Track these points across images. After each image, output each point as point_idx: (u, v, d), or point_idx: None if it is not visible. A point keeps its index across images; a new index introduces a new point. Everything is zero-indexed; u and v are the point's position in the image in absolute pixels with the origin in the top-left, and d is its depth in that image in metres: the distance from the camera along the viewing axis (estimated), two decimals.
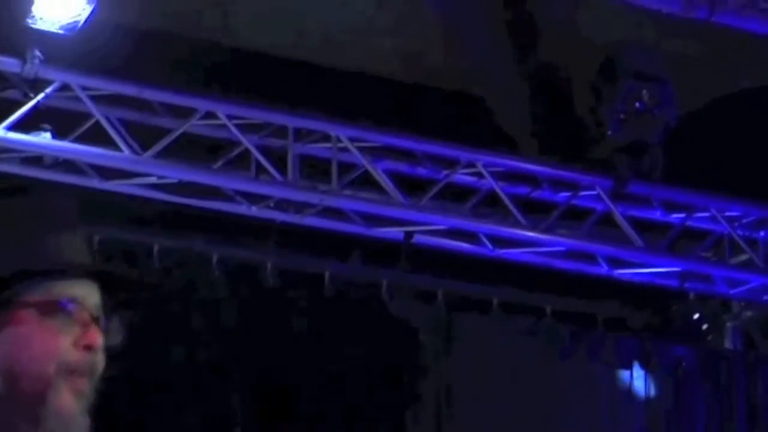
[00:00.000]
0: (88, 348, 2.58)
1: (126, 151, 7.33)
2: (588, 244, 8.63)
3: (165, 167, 7.53)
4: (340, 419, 8.50)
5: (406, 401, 8.71)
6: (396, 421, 8.67)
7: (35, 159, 7.46)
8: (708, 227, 8.95)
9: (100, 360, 2.61)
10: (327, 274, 8.55)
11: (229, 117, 7.68)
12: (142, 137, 7.49)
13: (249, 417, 8.18)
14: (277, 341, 8.35)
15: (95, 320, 2.60)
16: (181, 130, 7.53)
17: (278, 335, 8.37)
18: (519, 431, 8.96)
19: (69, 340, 2.57)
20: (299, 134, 7.88)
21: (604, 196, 8.42)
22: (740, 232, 8.94)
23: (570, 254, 8.69)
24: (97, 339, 2.60)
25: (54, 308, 2.58)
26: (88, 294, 2.62)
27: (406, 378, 8.72)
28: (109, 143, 7.38)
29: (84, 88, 7.29)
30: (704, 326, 9.22)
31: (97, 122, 7.30)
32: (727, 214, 8.90)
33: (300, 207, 8.01)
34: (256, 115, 7.72)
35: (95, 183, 7.55)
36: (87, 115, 7.32)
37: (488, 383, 8.81)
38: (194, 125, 7.68)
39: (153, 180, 7.62)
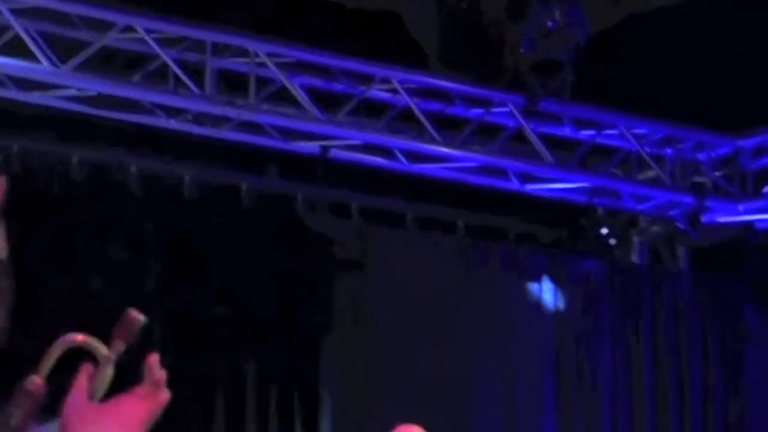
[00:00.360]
0: None
1: (45, 64, 7.31)
2: (500, 160, 8.67)
3: (84, 80, 7.54)
4: (255, 332, 8.49)
5: (321, 313, 8.67)
6: (312, 332, 8.64)
7: None
8: (616, 144, 9.03)
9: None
10: (244, 187, 8.52)
11: (148, 31, 7.65)
12: (62, 50, 7.43)
13: (163, 333, 7.95)
14: (194, 253, 8.33)
15: None
16: (100, 44, 7.51)
17: (195, 247, 8.35)
18: (432, 342, 8.89)
19: None
20: (217, 49, 7.87)
21: (516, 113, 8.47)
22: (648, 149, 9.05)
23: (482, 170, 8.72)
24: None
25: None
26: None
27: (321, 290, 8.67)
28: (28, 55, 7.33)
29: (4, 1, 7.20)
30: (612, 241, 9.29)
31: (17, 35, 7.24)
32: (635, 131, 9.02)
33: (218, 121, 8.04)
34: (175, 30, 7.72)
35: (14, 94, 7.51)
36: (6, 28, 7.25)
37: (402, 296, 8.81)
38: (113, 39, 7.65)
39: (72, 92, 7.60)
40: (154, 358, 2.58)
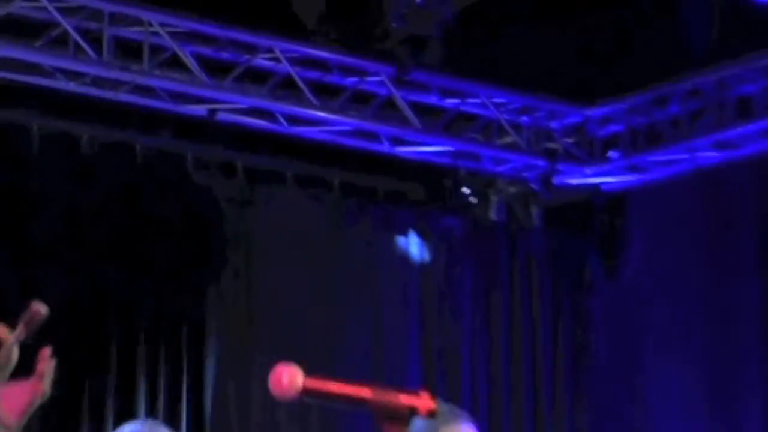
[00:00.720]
0: None
1: None
2: (372, 125, 8.89)
3: None
4: (146, 279, 8.48)
5: (208, 263, 8.75)
6: (199, 281, 8.72)
7: None
8: (478, 112, 9.22)
9: None
10: (138, 146, 8.51)
11: (50, 0, 7.78)
12: None
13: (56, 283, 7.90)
14: (91, 208, 8.29)
15: None
16: (4, 11, 7.66)
17: (92, 199, 8.30)
18: (309, 291, 9.00)
19: None
20: (114, 18, 7.99)
21: (387, 82, 8.74)
22: (506, 117, 9.26)
23: (356, 133, 8.93)
24: None
25: None
26: None
27: (209, 242, 8.75)
28: None
29: None
30: (473, 200, 9.46)
31: None
32: (495, 100, 9.23)
33: (114, 84, 8.13)
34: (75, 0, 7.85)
35: None
36: None
37: (283, 248, 8.93)
38: (18, 7, 7.72)
39: None
40: (46, 351, 2.73)
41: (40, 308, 2.68)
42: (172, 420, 7.71)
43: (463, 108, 9.22)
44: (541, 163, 9.45)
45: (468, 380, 9.55)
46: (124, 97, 8.27)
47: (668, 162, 9.42)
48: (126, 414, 8.03)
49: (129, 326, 8.52)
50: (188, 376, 8.65)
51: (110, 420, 8.25)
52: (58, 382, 3.64)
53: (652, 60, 8.65)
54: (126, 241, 8.42)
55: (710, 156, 9.19)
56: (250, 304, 8.91)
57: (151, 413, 8.33)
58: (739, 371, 9.25)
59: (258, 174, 9.04)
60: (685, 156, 9.28)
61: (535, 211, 9.83)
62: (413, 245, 9.58)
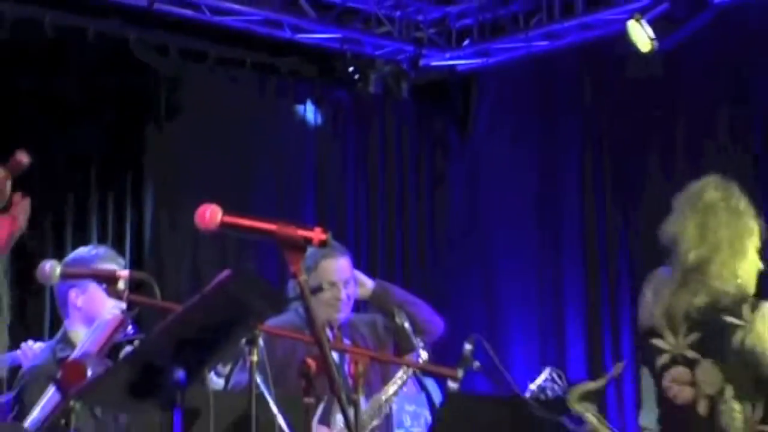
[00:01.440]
0: None
1: None
2: (278, 15, 8.76)
3: None
4: (98, 133, 8.28)
5: (149, 122, 8.58)
6: (141, 135, 8.58)
7: None
8: (361, 7, 9.08)
9: None
10: (90, 30, 8.25)
11: None
12: None
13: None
14: (59, 83, 8.03)
15: None
16: None
17: (59, 78, 8.05)
18: (228, 150, 8.89)
19: None
20: None
21: None
22: (383, 12, 9.17)
23: (265, 22, 8.78)
24: None
25: None
26: None
27: (149, 105, 8.56)
28: None
29: None
30: (356, 77, 9.28)
31: None
32: None
33: None
34: None
35: None
36: None
37: (207, 115, 8.78)
38: None
39: None
40: (19, 196, 2.82)
41: (23, 157, 2.68)
42: (118, 248, 7.63)
43: (349, 3, 9.11)
44: (409, 48, 9.42)
45: (352, 221, 9.57)
46: None
47: (508, 49, 9.41)
48: (81, 236, 8.11)
49: (85, 175, 8.42)
50: (131, 214, 8.60)
51: (68, 248, 7.81)
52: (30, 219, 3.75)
53: None
54: (83, 109, 8.19)
55: (541, 45, 9.22)
56: (180, 158, 8.77)
57: (101, 242, 7.98)
58: (561, 208, 9.33)
59: (187, 54, 8.84)
60: (522, 45, 9.30)
61: (404, 86, 9.65)
62: (309, 112, 9.55)
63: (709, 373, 3.91)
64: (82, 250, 5.06)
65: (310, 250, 5.48)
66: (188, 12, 8.51)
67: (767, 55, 8.30)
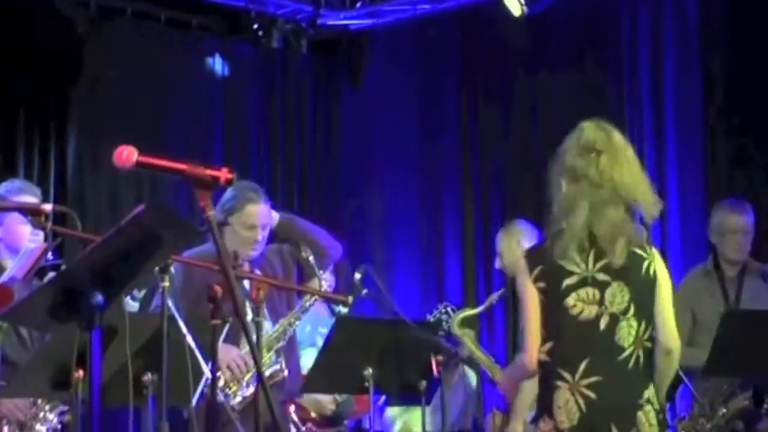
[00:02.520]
0: None
1: None
2: None
3: None
4: (28, 90, 8.14)
5: (73, 74, 8.33)
6: (64, 87, 8.39)
7: None
8: None
9: None
10: None
11: None
12: None
13: None
14: None
15: None
16: None
17: None
18: (145, 97, 8.70)
19: None
20: None
21: None
22: None
23: None
24: None
25: None
26: None
27: (71, 58, 8.28)
28: None
29: None
30: (261, 33, 9.01)
31: None
32: None
33: None
34: None
35: None
36: None
37: (125, 66, 8.61)
38: None
39: None
40: None
41: None
42: (43, 185, 7.51)
43: None
44: (308, 9, 9.26)
45: (255, 161, 9.44)
46: None
47: (396, 11, 9.32)
48: (10, 174, 7.56)
49: (13, 120, 8.24)
50: (55, 155, 8.45)
51: None
52: None
53: None
54: (12, 58, 7.94)
55: (425, 8, 9.13)
56: (100, 105, 8.53)
57: (27, 179, 8.04)
58: (440, 149, 9.41)
59: (105, 10, 8.58)
60: (408, 7, 9.23)
61: (303, 42, 9.47)
62: (217, 64, 9.37)
63: (617, 294, 4.00)
64: (5, 184, 5.01)
65: (233, 191, 5.63)
66: None
67: (618, 19, 8.34)
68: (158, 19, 8.97)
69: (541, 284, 3.98)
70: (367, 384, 4.87)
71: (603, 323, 3.96)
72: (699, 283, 6.51)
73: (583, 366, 3.93)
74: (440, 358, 4.95)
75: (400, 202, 9.57)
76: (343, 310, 6.27)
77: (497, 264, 6.20)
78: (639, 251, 4.04)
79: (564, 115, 8.19)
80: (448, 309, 6.36)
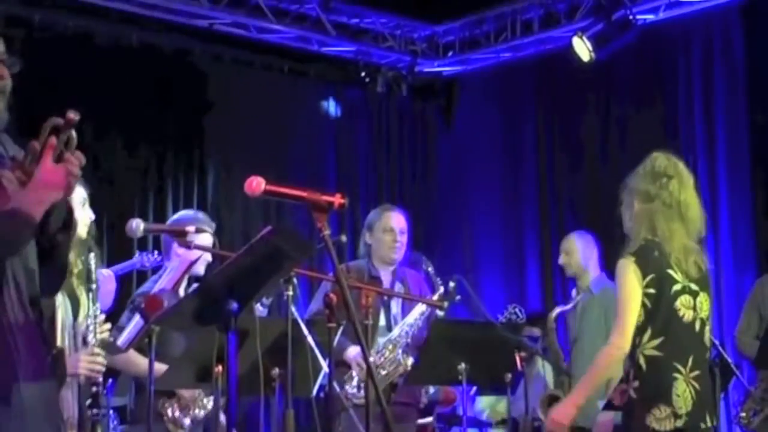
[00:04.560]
0: (3, 78, 2.56)
1: None
2: (307, 33, 8.58)
3: None
4: (162, 130, 8.19)
5: (206, 122, 8.42)
6: (202, 130, 8.45)
7: None
8: (370, 27, 8.90)
9: (9, 83, 2.57)
10: (165, 46, 8.16)
11: None
12: None
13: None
14: (125, 92, 7.71)
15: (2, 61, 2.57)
16: None
17: (126, 87, 7.71)
18: (272, 134, 8.66)
19: None
20: None
21: (317, 8, 8.42)
22: (387, 31, 9.00)
23: (298, 38, 8.58)
24: (6, 72, 2.57)
25: None
26: None
27: (210, 110, 8.40)
28: None
29: None
30: (367, 80, 9.08)
31: None
32: (381, 20, 8.94)
33: None
34: None
35: None
36: None
37: (254, 109, 8.59)
38: None
39: None
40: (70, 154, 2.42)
41: (72, 115, 2.39)
42: (186, 209, 7.55)
43: (361, 25, 9.04)
44: (407, 58, 9.25)
45: (364, 188, 9.38)
46: (159, 14, 7.93)
47: (482, 59, 9.28)
48: (161, 201, 8.13)
49: (162, 157, 8.36)
50: (197, 184, 8.52)
51: (149, 209, 8.16)
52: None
53: None
54: (162, 105, 8.11)
55: (506, 56, 9.14)
56: (234, 142, 8.59)
57: (175, 203, 8.25)
58: (521, 176, 9.25)
59: (238, 62, 8.74)
60: (492, 56, 9.22)
61: (404, 87, 9.40)
62: (331, 107, 9.44)
63: (705, 303, 4.10)
64: (185, 213, 5.03)
65: (373, 211, 5.66)
66: (240, 31, 8.44)
67: (676, 65, 8.31)
68: (282, 70, 9.06)
69: (651, 290, 4.00)
70: (460, 377, 4.84)
71: (697, 326, 4.07)
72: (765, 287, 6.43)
73: (690, 361, 4.00)
74: (523, 354, 4.90)
75: (487, 223, 9.48)
76: (440, 314, 6.22)
77: (561, 260, 6.16)
78: (705, 266, 4.13)
79: (627, 150, 8.14)
80: (516, 310, 6.32)
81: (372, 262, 5.62)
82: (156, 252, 6.15)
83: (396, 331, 5.51)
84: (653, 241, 4.04)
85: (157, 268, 5.63)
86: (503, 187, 9.47)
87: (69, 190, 2.48)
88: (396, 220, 5.62)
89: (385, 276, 5.62)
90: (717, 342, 5.29)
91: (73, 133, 2.43)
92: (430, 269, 5.56)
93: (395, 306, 5.58)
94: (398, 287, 5.60)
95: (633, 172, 4.16)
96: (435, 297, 5.46)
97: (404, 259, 5.72)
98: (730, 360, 5.35)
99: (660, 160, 4.11)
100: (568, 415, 4.06)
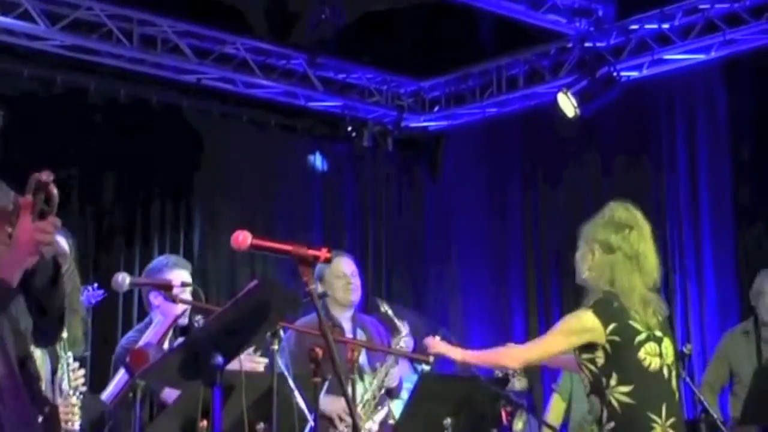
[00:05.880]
0: None
1: None
2: (294, 88, 8.66)
3: None
4: (161, 186, 8.37)
5: (195, 172, 8.51)
6: (189, 190, 8.57)
7: None
8: (357, 82, 9.02)
9: None
10: (153, 99, 8.26)
11: (101, 9, 7.48)
12: None
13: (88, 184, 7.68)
14: (112, 143, 7.88)
15: None
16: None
17: (113, 138, 7.92)
18: (257, 188, 8.85)
19: None
20: (140, 21, 7.70)
21: (304, 64, 8.53)
22: (374, 86, 9.11)
23: (285, 93, 8.66)
24: None
25: None
26: None
27: (199, 168, 8.50)
28: None
29: None
30: (354, 134, 9.01)
31: None
32: (367, 75, 9.05)
33: (140, 61, 7.86)
34: None
35: None
36: None
37: (239, 167, 8.75)
38: (83, 13, 7.44)
39: None
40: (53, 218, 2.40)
41: (44, 176, 2.37)
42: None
43: (348, 80, 9.14)
44: (393, 113, 9.35)
45: (350, 242, 9.43)
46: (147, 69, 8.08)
47: (467, 114, 9.36)
48: (146, 253, 8.06)
49: (147, 209, 8.41)
50: (183, 238, 8.57)
51: (136, 263, 8.08)
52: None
53: (459, 51, 8.65)
54: (149, 158, 8.10)
55: (492, 111, 9.21)
56: (219, 196, 8.69)
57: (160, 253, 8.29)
58: (507, 231, 9.33)
59: (226, 116, 8.82)
60: (478, 111, 9.30)
61: (390, 141, 9.47)
62: (318, 161, 9.54)
63: (669, 348, 4.08)
64: (158, 260, 4.99)
65: (318, 265, 5.60)
66: (227, 86, 8.49)
67: (659, 121, 8.40)
68: (269, 124, 9.10)
69: (616, 337, 3.97)
70: (446, 431, 4.80)
71: (666, 373, 4.03)
72: (737, 340, 6.39)
73: (664, 409, 3.95)
74: (509, 408, 4.87)
75: (473, 273, 9.48)
76: (426, 368, 6.18)
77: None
78: (664, 315, 4.10)
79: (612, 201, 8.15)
80: None
81: (329, 311, 5.52)
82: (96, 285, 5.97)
83: (378, 381, 5.48)
84: (611, 292, 4.04)
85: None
86: (489, 241, 9.49)
87: (38, 253, 2.44)
88: (346, 264, 5.55)
89: (345, 323, 5.55)
90: (703, 398, 5.28)
91: (55, 191, 2.41)
92: (389, 312, 5.50)
93: (362, 356, 5.48)
94: (360, 334, 5.54)
95: (589, 221, 4.17)
96: (401, 343, 5.46)
97: (358, 305, 5.70)
98: (716, 416, 5.33)
99: (620, 210, 4.12)
100: (450, 350, 4.18)
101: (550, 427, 5.38)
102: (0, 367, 2.49)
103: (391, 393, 5.62)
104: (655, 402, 3.97)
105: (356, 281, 5.56)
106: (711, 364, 6.45)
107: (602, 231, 4.07)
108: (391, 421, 5.56)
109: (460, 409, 4.79)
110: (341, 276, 5.51)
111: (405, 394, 6.13)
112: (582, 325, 3.99)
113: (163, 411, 4.19)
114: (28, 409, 2.57)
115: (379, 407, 5.43)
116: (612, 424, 3.97)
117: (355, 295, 5.56)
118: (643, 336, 4.01)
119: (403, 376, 6.37)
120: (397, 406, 6.05)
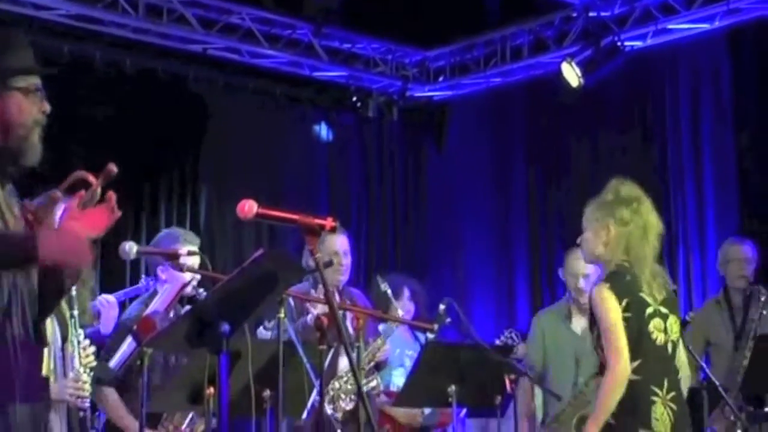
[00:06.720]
0: (44, 112, 2.70)
1: None
2: (299, 58, 8.61)
3: None
4: (168, 158, 8.33)
5: (203, 148, 8.51)
6: (197, 156, 8.52)
7: None
8: (362, 52, 8.95)
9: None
10: (159, 69, 8.20)
11: None
12: None
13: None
14: (120, 115, 7.82)
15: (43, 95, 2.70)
16: None
17: (123, 110, 7.86)
18: (263, 159, 8.77)
19: (37, 108, 2.68)
20: None
21: (309, 34, 8.50)
22: (378, 56, 9.04)
23: (290, 63, 8.63)
24: (47, 106, 2.71)
25: (32, 90, 2.68)
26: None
27: (203, 136, 8.48)
28: None
29: None
30: (359, 104, 8.98)
31: None
32: (372, 45, 9.01)
33: (145, 31, 7.82)
34: None
35: None
36: None
37: (246, 138, 8.70)
38: None
39: None
40: (111, 193, 2.58)
41: (113, 168, 2.59)
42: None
43: (353, 50, 9.08)
44: (398, 83, 9.32)
45: (355, 211, 9.42)
46: (153, 39, 8.01)
47: (472, 84, 9.32)
48: (153, 223, 8.11)
49: (156, 180, 8.42)
50: (190, 207, 8.55)
51: (143, 232, 8.14)
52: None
53: (463, 21, 8.58)
54: (155, 129, 8.07)
55: (496, 81, 9.16)
56: (226, 165, 8.64)
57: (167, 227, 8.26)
58: (510, 198, 9.32)
59: (231, 87, 8.74)
60: (482, 80, 9.24)
61: (395, 111, 9.47)
62: (323, 131, 9.47)
63: (675, 325, 4.17)
64: (167, 232, 5.00)
65: (323, 234, 5.59)
66: (232, 56, 8.46)
67: (663, 91, 8.37)
68: (274, 94, 9.06)
69: (628, 314, 4.05)
70: (450, 399, 4.83)
71: (669, 348, 4.13)
72: (710, 309, 6.46)
73: (666, 383, 4.05)
74: (512, 377, 4.88)
75: (477, 245, 9.47)
76: (430, 336, 6.21)
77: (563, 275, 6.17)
78: (669, 288, 4.21)
79: (616, 172, 8.15)
80: (513, 334, 6.30)
81: (316, 286, 5.46)
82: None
83: (369, 353, 5.47)
84: (624, 265, 4.13)
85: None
86: (493, 210, 9.49)
87: (86, 261, 2.56)
88: (340, 242, 5.52)
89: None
90: (704, 365, 5.29)
91: (99, 190, 2.55)
92: (388, 292, 5.53)
93: (349, 326, 5.49)
94: None
95: (593, 201, 4.25)
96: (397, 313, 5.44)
97: (362, 277, 5.64)
98: (717, 383, 5.35)
99: (625, 186, 4.23)
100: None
101: (554, 394, 5.39)
102: (20, 326, 2.53)
103: (379, 366, 5.64)
104: (658, 376, 4.06)
105: (346, 261, 5.50)
106: (686, 336, 6.45)
107: (615, 207, 4.17)
108: (375, 392, 5.62)
109: (464, 376, 4.82)
110: (333, 253, 5.45)
111: (408, 362, 6.17)
112: (614, 300, 4.04)
113: (172, 378, 4.22)
114: (38, 372, 2.60)
115: (369, 377, 5.45)
116: (615, 409, 4.01)
117: (344, 276, 5.51)
118: (651, 309, 4.11)
119: (403, 344, 6.44)
120: (399, 374, 6.10)
